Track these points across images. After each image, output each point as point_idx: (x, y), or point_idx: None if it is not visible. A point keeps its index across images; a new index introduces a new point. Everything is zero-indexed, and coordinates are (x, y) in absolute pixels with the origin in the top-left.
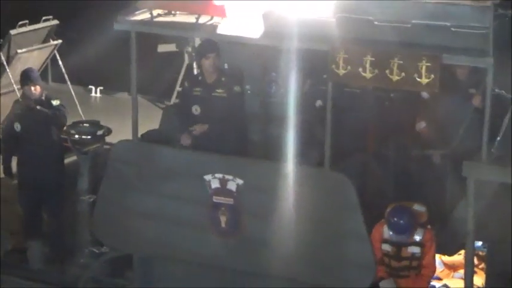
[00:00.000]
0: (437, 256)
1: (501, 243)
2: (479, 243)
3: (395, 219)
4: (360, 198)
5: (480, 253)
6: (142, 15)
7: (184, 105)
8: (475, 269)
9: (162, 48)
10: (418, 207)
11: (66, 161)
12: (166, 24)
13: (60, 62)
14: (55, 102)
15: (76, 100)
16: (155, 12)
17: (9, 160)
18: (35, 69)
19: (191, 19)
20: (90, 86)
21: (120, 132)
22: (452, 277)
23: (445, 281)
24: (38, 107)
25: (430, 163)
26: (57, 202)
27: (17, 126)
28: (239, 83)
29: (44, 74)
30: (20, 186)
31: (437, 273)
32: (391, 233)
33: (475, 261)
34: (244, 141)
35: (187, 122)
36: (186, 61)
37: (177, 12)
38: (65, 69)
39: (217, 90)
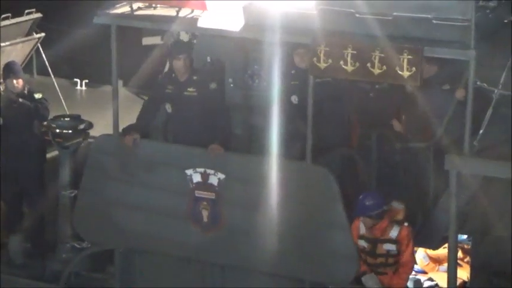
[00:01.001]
0: (422, 250)
1: (485, 236)
2: (464, 237)
3: (366, 201)
4: (342, 191)
5: (465, 246)
6: (122, 8)
7: (153, 100)
8: (460, 262)
9: (146, 41)
10: (396, 204)
11: (48, 155)
12: (147, 18)
13: (43, 56)
14: (37, 96)
15: (60, 93)
16: (136, 5)
17: None
18: (17, 62)
19: (172, 12)
20: (75, 79)
21: (104, 126)
22: (438, 270)
23: (430, 275)
24: (20, 100)
25: (413, 156)
26: (37, 195)
27: None
28: (215, 79)
29: (29, 67)
30: (1, 179)
31: (423, 266)
32: (364, 223)
33: (460, 254)
34: (227, 136)
35: (150, 116)
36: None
37: (158, 5)
38: (51, 62)
39: (189, 89)
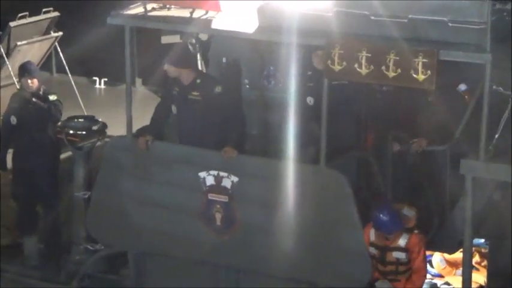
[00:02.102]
0: (439, 253)
1: (503, 240)
2: (481, 241)
3: (381, 215)
4: (357, 194)
5: (483, 250)
6: (136, 9)
7: (163, 101)
8: (477, 266)
9: (165, 39)
10: (406, 211)
11: (63, 156)
12: (160, 19)
13: (61, 54)
14: (52, 97)
15: (78, 92)
16: (150, 6)
17: (4, 153)
18: (33, 62)
19: (186, 13)
20: (94, 77)
21: (123, 124)
22: (455, 274)
23: (447, 279)
24: (34, 100)
25: (429, 159)
26: (51, 196)
27: (13, 119)
28: (220, 82)
29: (48, 65)
30: (14, 180)
31: (440, 270)
32: (375, 231)
33: (477, 258)
34: (240, 138)
35: (162, 118)
36: None
37: (172, 6)
38: (70, 61)
39: (193, 93)
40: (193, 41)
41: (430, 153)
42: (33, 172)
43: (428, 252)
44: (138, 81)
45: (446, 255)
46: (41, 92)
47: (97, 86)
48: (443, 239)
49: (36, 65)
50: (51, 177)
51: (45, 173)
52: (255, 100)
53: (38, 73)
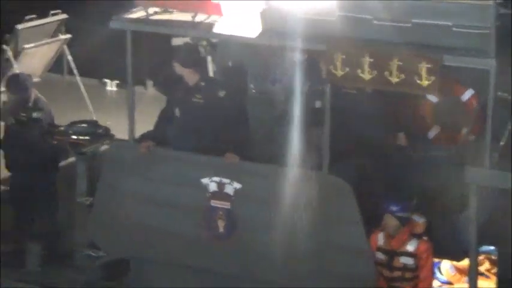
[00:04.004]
0: (448, 261)
1: None
2: (491, 248)
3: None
4: (360, 202)
5: (492, 257)
6: (138, 13)
7: (167, 106)
8: (487, 274)
9: (176, 41)
10: (416, 217)
11: (66, 161)
12: (162, 23)
13: (69, 57)
14: (35, 115)
15: (87, 94)
16: (152, 9)
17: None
18: (22, 76)
19: (188, 17)
20: (105, 80)
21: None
22: (464, 282)
23: (456, 286)
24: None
25: (435, 165)
26: (49, 203)
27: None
28: (225, 86)
29: (59, 67)
30: (10, 186)
31: (449, 277)
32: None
33: (487, 265)
34: (243, 144)
35: (165, 123)
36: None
37: (174, 10)
38: (81, 63)
39: (196, 96)
40: (204, 43)
41: (434, 158)
42: (30, 178)
43: (436, 260)
44: (149, 83)
45: (455, 262)
46: (30, 105)
47: (108, 88)
48: (450, 247)
49: (45, 68)
50: (49, 184)
51: (42, 180)
52: (260, 104)
53: (17, 89)
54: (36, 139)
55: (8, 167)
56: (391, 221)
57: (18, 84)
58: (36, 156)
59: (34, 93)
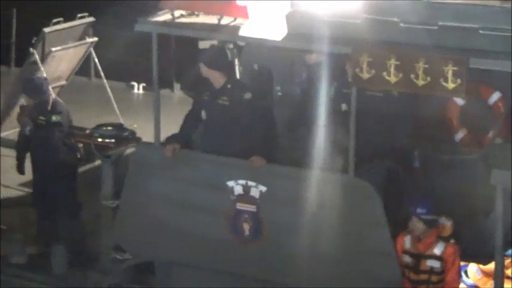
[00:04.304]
0: (475, 264)
1: None
2: None
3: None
4: (385, 205)
5: None
6: (164, 16)
7: (193, 109)
8: None
9: (203, 44)
10: (444, 220)
11: (91, 165)
12: (188, 26)
13: (96, 60)
14: (55, 118)
15: (113, 97)
16: (178, 12)
17: (22, 158)
18: (38, 80)
19: (214, 20)
20: (132, 83)
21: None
22: (490, 285)
23: None
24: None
25: (462, 167)
26: (70, 206)
27: (27, 129)
28: (251, 89)
29: (86, 70)
30: (33, 189)
31: (475, 280)
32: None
33: None
34: (270, 147)
35: (191, 126)
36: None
37: (200, 13)
38: (109, 66)
39: (222, 98)
40: (231, 46)
41: (462, 162)
42: (51, 181)
43: (463, 263)
44: (176, 86)
45: (482, 266)
46: (49, 108)
47: (135, 91)
48: (476, 250)
49: (72, 71)
50: (69, 187)
51: (63, 182)
52: (286, 107)
53: (35, 93)
54: (56, 142)
55: (19, 170)
56: (418, 224)
57: (34, 88)
58: (55, 160)
59: (52, 96)
